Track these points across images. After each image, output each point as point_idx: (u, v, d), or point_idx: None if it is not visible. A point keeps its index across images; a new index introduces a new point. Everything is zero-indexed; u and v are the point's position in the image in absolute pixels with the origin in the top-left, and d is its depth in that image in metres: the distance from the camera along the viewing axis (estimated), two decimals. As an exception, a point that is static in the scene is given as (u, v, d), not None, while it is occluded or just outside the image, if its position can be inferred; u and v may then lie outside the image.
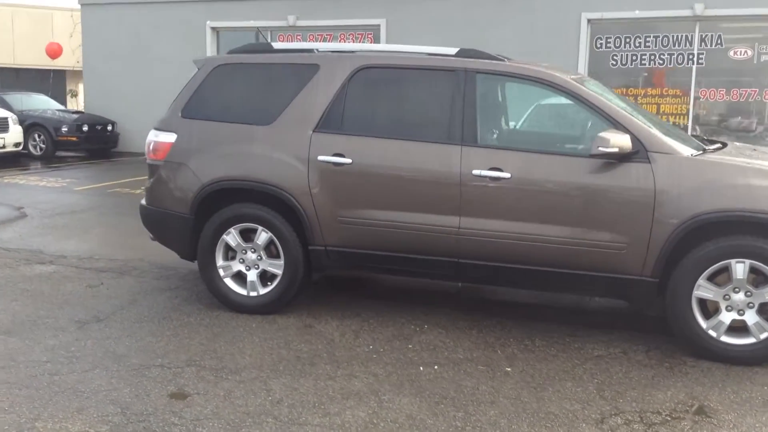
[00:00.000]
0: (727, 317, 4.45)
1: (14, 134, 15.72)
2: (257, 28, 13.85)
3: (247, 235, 5.27)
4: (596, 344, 4.78)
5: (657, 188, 4.47)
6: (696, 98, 14.49)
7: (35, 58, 30.14)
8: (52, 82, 27.95)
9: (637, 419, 3.71)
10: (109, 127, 17.80)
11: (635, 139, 4.54)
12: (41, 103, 18.79)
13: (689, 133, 11.98)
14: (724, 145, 5.23)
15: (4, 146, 15.41)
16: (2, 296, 5.63)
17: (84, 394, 3.88)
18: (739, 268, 4.37)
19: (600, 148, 4.45)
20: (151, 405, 3.78)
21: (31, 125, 16.90)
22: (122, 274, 6.36)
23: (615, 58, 14.83)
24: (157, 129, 5.56)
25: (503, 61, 5.08)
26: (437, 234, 4.88)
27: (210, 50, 17.54)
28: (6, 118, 15.61)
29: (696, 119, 14.55)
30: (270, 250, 5.25)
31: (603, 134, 4.47)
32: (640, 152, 4.53)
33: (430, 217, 4.90)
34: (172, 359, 4.40)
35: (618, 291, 4.74)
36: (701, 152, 4.76)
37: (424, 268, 5.05)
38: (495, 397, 3.93)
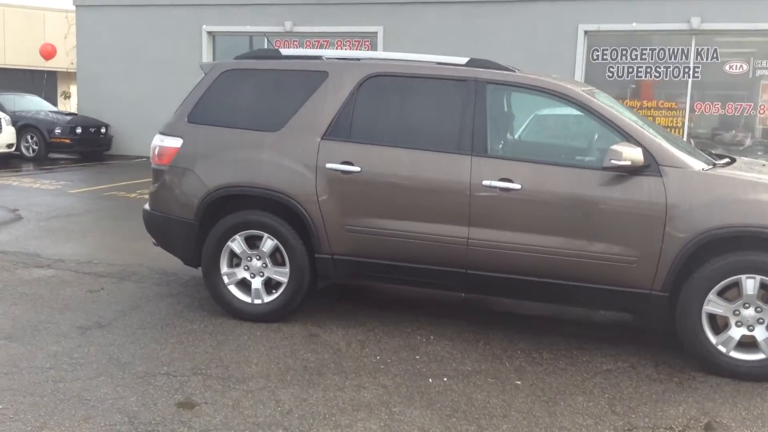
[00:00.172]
0: (736, 333, 4.44)
1: (7, 135, 15.60)
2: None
3: (253, 242, 5.22)
4: (604, 358, 4.75)
5: (668, 202, 4.46)
6: (691, 111, 14.56)
7: (26, 59, 29.93)
8: (44, 83, 27.77)
9: (651, 435, 3.69)
10: (103, 130, 17.69)
11: (647, 152, 4.53)
12: (34, 105, 18.67)
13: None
14: (733, 160, 5.24)
15: (-4, 147, 15.28)
16: (1, 300, 5.54)
17: (90, 402, 3.82)
18: (750, 284, 4.36)
19: (612, 161, 4.44)
20: (158, 414, 3.72)
21: (23, 126, 16.77)
22: (122, 279, 6.28)
23: (611, 69, 14.90)
24: (162, 134, 5.50)
25: (513, 71, 5.06)
26: (446, 244, 4.85)
27: (206, 54, 17.48)
28: (-1, 119, 15.50)
29: (691, 132, 14.62)
30: (275, 257, 5.20)
31: (615, 147, 4.46)
32: (651, 166, 4.52)
33: (438, 227, 4.87)
34: (178, 367, 4.34)
35: (627, 305, 4.73)
36: (712, 167, 4.75)
37: (431, 278, 5.01)
38: (507, 411, 3.90)
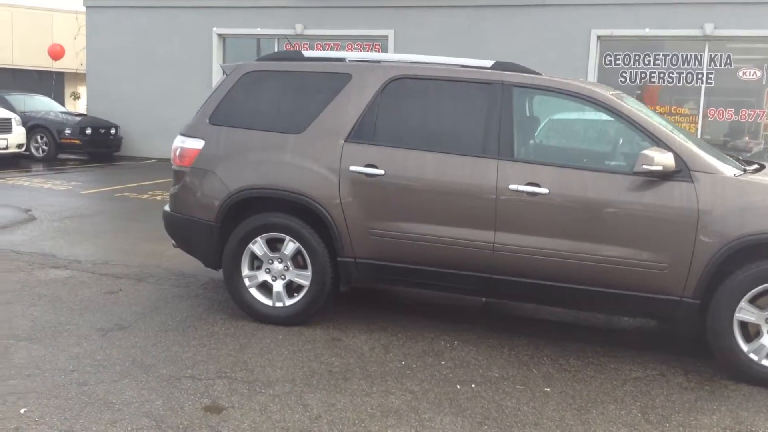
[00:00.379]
0: (768, 341, 4.38)
1: (17, 135, 15.57)
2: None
3: (274, 245, 5.17)
4: (633, 365, 4.69)
5: (700, 208, 4.40)
6: (704, 117, 14.50)
7: (33, 60, 29.94)
8: (53, 84, 27.77)
9: (686, 444, 3.63)
10: (113, 131, 17.65)
11: (678, 157, 4.47)
12: (44, 105, 18.64)
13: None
14: (762, 166, 5.17)
15: (6, 147, 15.26)
16: (20, 301, 5.50)
17: (115, 406, 3.76)
18: (782, 292, 4.30)
19: (644, 166, 4.38)
20: (186, 418, 3.66)
21: (33, 127, 16.74)
22: (140, 280, 6.23)
23: (624, 75, 14.84)
24: (184, 135, 5.46)
25: (540, 74, 5.01)
26: (471, 249, 4.79)
27: (216, 56, 17.45)
28: (9, 119, 15.47)
29: (703, 138, 14.54)
30: (297, 260, 5.15)
31: (647, 152, 4.40)
32: (682, 171, 4.47)
33: (464, 231, 4.81)
34: (202, 370, 4.29)
35: (657, 312, 4.66)
36: (743, 173, 4.69)
37: (456, 283, 4.95)
38: (538, 419, 3.84)
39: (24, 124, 16.11)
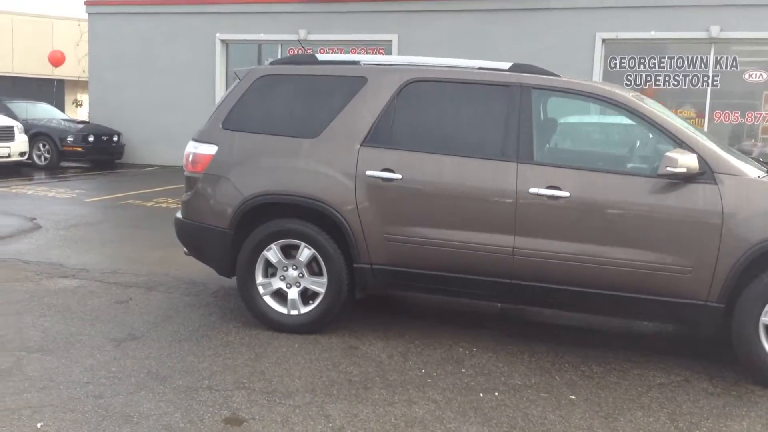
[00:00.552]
0: (795, 346, 4.30)
1: (20, 143, 15.49)
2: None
3: (289, 252, 5.08)
4: (656, 371, 4.60)
5: (725, 211, 4.32)
6: (710, 120, 14.43)
7: (34, 67, 29.88)
8: (53, 91, 27.71)
9: (719, 453, 3.54)
10: (115, 138, 17.58)
11: (701, 159, 4.40)
12: (46, 113, 18.55)
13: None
14: (785, 168, 5.09)
15: (9, 155, 15.18)
16: (29, 311, 5.41)
17: (133, 419, 3.67)
18: (810, 296, 4.22)
19: (668, 168, 4.30)
20: (206, 431, 3.57)
21: (35, 134, 16.67)
22: (149, 289, 6.14)
23: (629, 78, 14.78)
24: (196, 140, 5.38)
25: (558, 76, 4.94)
26: (490, 254, 4.71)
27: (219, 62, 17.39)
28: (12, 127, 15.39)
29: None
30: (312, 267, 5.07)
31: (670, 154, 4.32)
32: (706, 173, 4.39)
33: (483, 236, 4.73)
34: (219, 381, 4.20)
35: (681, 316, 4.57)
36: (767, 174, 4.61)
37: (475, 288, 4.87)
38: (566, 427, 3.75)
39: (26, 132, 16.03)
